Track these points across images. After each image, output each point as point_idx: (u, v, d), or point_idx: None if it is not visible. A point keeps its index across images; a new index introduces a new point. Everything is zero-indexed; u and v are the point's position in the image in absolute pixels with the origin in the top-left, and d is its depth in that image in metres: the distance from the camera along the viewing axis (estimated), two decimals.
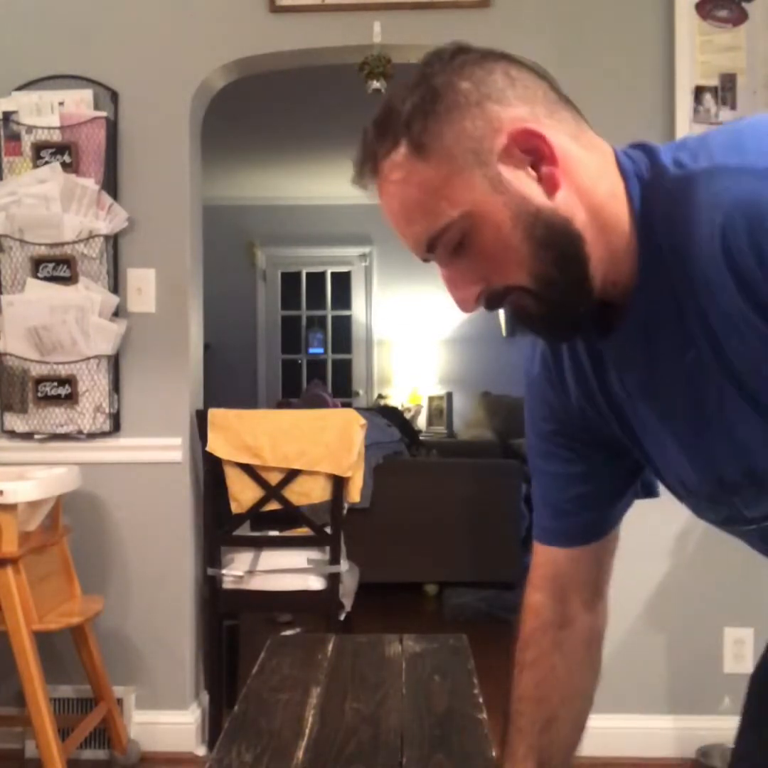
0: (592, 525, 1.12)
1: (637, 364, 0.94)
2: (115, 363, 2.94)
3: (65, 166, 2.88)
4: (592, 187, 0.88)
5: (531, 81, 0.89)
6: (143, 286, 2.95)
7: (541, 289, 0.88)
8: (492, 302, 0.92)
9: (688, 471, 0.97)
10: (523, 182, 0.87)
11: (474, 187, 0.87)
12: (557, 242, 0.86)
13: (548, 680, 1.14)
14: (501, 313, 4.61)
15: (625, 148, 0.93)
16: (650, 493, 1.13)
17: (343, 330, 8.06)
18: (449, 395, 7.72)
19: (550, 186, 0.87)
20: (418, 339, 7.65)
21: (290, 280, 8.11)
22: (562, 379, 1.04)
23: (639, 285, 0.88)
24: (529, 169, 0.87)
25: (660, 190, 0.86)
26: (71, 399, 2.92)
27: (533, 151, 0.86)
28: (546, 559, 1.14)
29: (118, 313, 2.94)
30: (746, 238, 0.77)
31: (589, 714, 1.18)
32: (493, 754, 1.30)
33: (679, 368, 0.89)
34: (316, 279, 8.10)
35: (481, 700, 1.53)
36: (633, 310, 0.90)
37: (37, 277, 2.90)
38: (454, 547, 4.70)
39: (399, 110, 0.88)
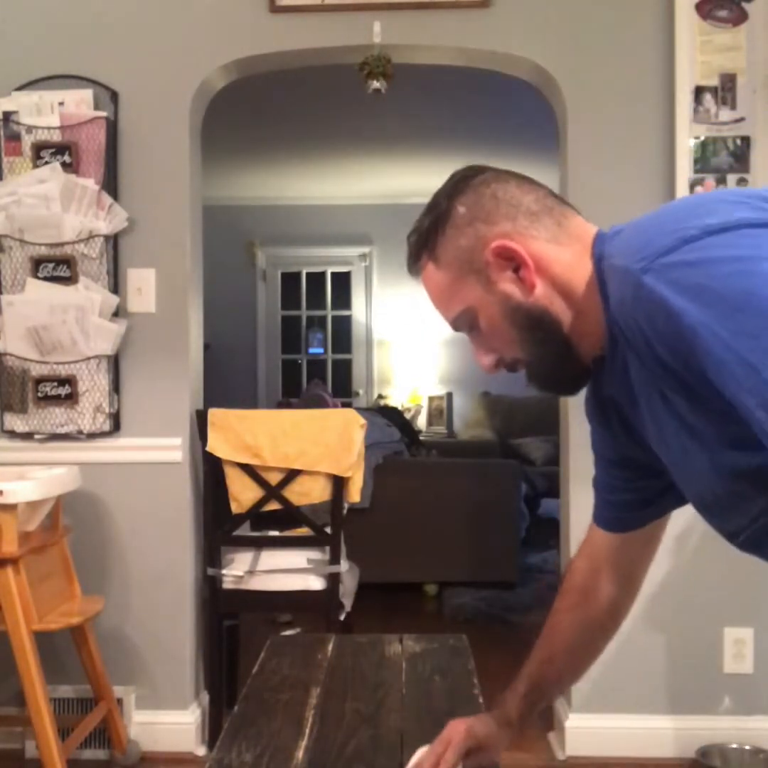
0: (626, 521, 1.32)
1: (627, 407, 1.15)
2: (115, 363, 2.94)
3: (65, 166, 2.88)
4: (567, 279, 1.09)
5: (517, 197, 1.12)
6: (143, 286, 2.95)
7: (533, 360, 1.14)
8: (509, 368, 1.17)
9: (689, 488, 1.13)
10: (507, 283, 1.10)
11: (472, 289, 1.13)
12: (536, 327, 1.10)
13: (560, 628, 1.37)
14: None
15: (602, 231, 1.12)
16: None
17: (343, 330, 8.06)
18: (449, 395, 7.72)
19: (527, 285, 1.09)
20: (418, 339, 7.65)
21: (290, 280, 8.11)
22: (608, 415, 1.23)
23: (607, 350, 1.10)
24: (511, 273, 1.10)
25: (603, 277, 1.06)
26: (71, 399, 2.92)
27: (512, 259, 1.09)
28: (592, 533, 1.37)
29: (118, 313, 2.94)
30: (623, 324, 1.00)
31: (587, 667, 1.39)
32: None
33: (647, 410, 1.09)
34: (316, 279, 8.10)
35: (481, 700, 1.53)
36: (605, 369, 1.12)
37: (37, 277, 2.90)
38: (454, 546, 4.70)
39: (422, 228, 1.16)
